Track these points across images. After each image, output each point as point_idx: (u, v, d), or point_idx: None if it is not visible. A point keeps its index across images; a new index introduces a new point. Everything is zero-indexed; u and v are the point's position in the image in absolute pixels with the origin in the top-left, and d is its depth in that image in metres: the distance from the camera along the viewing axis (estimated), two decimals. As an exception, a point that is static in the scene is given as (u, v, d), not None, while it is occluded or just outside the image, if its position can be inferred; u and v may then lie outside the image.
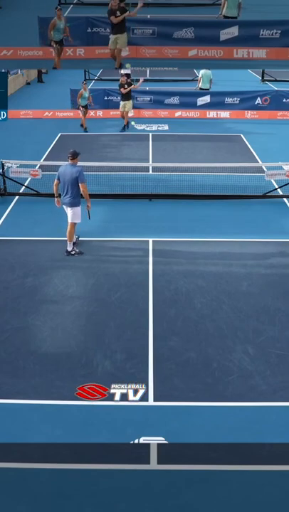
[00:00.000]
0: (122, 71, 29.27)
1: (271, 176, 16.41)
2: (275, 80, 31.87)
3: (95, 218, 14.27)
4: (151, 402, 8.38)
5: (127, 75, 29.49)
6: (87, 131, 23.10)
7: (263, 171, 16.57)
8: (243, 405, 8.37)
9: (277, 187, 16.39)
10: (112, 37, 17.25)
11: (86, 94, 22.99)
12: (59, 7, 18.23)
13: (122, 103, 23.78)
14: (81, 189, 12.46)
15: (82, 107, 23.02)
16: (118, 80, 29.89)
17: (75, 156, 12.53)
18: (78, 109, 23.49)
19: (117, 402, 8.34)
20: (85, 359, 9.27)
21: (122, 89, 23.52)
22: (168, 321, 10.33)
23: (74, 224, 12.76)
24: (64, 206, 12.76)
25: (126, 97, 23.56)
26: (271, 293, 11.32)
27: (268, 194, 16.16)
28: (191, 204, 15.64)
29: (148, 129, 23.72)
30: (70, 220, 12.73)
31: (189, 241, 13.35)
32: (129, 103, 23.81)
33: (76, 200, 12.56)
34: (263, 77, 32.34)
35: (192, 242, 13.28)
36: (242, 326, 10.18)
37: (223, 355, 9.39)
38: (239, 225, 14.38)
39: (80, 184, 12.40)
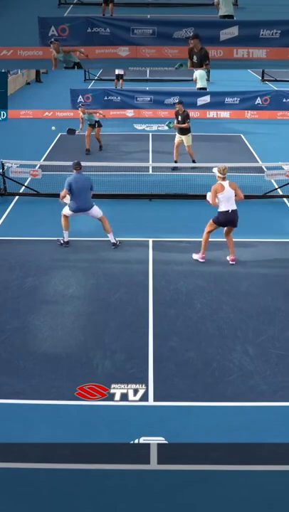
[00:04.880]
0: (117, 71, 29.40)
1: (271, 176, 16.41)
2: (275, 80, 31.90)
3: (92, 219, 14.29)
4: (151, 402, 8.38)
5: (120, 76, 29.55)
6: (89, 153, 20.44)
7: (263, 171, 16.58)
8: (243, 405, 8.37)
9: (277, 187, 16.40)
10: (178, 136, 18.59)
11: (86, 116, 20.28)
12: (53, 39, 17.50)
13: (179, 137, 18.81)
14: (91, 193, 13.05)
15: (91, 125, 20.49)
16: (113, 80, 30.14)
17: (80, 165, 12.90)
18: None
19: (117, 402, 8.34)
20: (85, 359, 9.27)
21: (177, 124, 18.65)
22: (168, 321, 10.34)
23: (104, 216, 13.14)
24: (78, 213, 13.06)
25: (184, 130, 18.64)
26: (271, 293, 11.32)
27: (268, 194, 16.17)
28: (191, 204, 15.64)
29: (148, 129, 23.73)
30: (99, 216, 13.09)
31: (189, 241, 13.34)
32: (188, 137, 18.75)
33: (91, 201, 13.06)
34: (263, 77, 32.36)
35: (192, 242, 13.26)
36: (242, 326, 10.18)
37: (223, 355, 9.40)
38: (239, 225, 14.28)
39: (91, 190, 12.98)
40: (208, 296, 11.18)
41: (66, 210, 12.98)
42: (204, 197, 15.88)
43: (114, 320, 10.37)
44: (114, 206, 15.50)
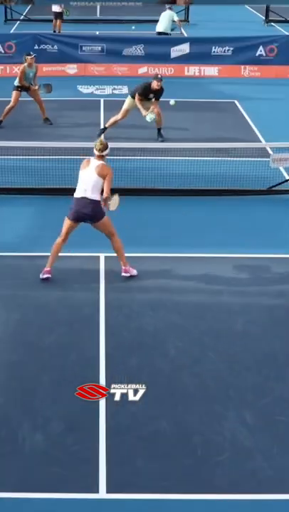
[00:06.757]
0: (54, 8, 30.27)
1: (278, 161, 16.39)
2: (286, 21, 31.96)
3: (19, 225, 14.35)
4: (103, 494, 8.33)
5: (59, 14, 30.02)
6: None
7: (267, 155, 16.71)
8: (240, 498, 8.39)
9: (288, 178, 16.49)
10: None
11: (31, 72, 21.05)
12: (32, 53, 21.24)
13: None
14: None
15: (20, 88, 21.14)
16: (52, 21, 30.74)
17: None
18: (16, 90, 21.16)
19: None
20: (4, 432, 9.24)
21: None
22: (128, 374, 10.35)
23: None
24: None
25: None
26: (279, 334, 11.42)
27: (274, 188, 16.23)
28: (163, 202, 15.67)
29: (98, 92, 23.87)
30: None
31: (159, 257, 13.40)
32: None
33: None
34: (267, 16, 32.62)
35: (164, 258, 13.33)
36: (236, 383, 10.26)
37: (209, 424, 9.44)
38: (233, 234, 14.46)
39: None
40: (186, 337, 11.25)
41: None
42: (182, 192, 16.01)
43: (48, 373, 10.38)
44: (45, 205, 15.51)
